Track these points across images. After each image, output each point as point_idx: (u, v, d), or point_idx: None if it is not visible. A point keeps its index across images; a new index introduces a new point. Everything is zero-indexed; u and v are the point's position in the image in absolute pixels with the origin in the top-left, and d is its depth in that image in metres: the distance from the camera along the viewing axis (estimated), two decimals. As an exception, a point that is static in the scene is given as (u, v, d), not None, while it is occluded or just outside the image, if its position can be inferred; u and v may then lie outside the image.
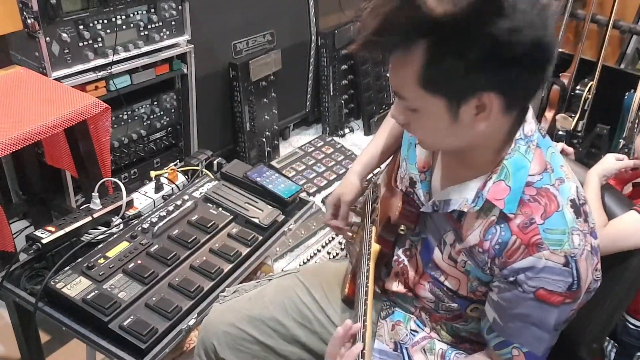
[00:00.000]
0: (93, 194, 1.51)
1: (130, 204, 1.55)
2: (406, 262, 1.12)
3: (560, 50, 3.16)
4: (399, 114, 0.92)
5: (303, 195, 1.70)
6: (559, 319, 0.93)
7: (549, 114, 3.15)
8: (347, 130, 3.28)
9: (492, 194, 0.91)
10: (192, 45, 2.26)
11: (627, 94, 2.80)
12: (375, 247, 1.11)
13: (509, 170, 0.91)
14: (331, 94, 3.16)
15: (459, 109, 0.84)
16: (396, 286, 1.15)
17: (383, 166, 1.33)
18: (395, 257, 1.13)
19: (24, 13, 1.76)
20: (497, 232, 0.91)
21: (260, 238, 1.50)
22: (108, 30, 1.97)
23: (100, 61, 1.97)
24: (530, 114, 0.93)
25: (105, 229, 1.46)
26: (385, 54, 0.85)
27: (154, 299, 1.27)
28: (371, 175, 1.34)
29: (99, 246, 1.39)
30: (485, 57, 0.77)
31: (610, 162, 1.37)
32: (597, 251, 0.94)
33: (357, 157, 1.33)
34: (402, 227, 1.07)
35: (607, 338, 1.42)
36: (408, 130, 1.00)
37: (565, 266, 0.87)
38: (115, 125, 2.15)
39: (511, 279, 0.90)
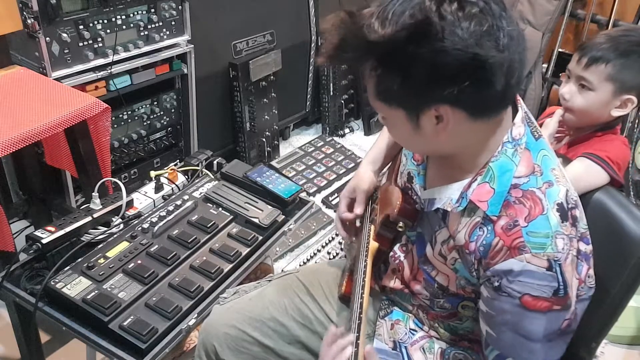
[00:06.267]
0: (93, 194, 1.51)
1: (130, 204, 1.55)
2: (402, 258, 1.12)
3: (560, 50, 3.16)
4: (381, 120, 0.99)
5: (303, 195, 1.70)
6: (549, 328, 0.91)
7: (549, 114, 3.15)
8: (347, 130, 3.28)
9: (476, 195, 0.92)
10: (192, 45, 2.26)
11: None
12: (374, 245, 1.12)
13: (495, 172, 0.91)
14: (331, 94, 3.16)
15: (419, 120, 0.88)
16: (393, 282, 1.16)
17: (385, 168, 1.33)
18: (392, 253, 1.14)
19: (24, 13, 1.76)
20: (483, 233, 0.92)
21: (260, 238, 1.50)
22: (108, 30, 1.97)
23: (100, 61, 1.97)
24: (519, 117, 0.93)
25: (105, 229, 1.46)
26: (355, 68, 0.94)
27: (154, 299, 1.27)
28: (385, 169, 1.34)
29: (99, 246, 1.39)
30: (424, 74, 0.82)
31: (550, 122, 1.46)
32: (587, 257, 0.93)
33: (367, 153, 1.33)
34: (401, 224, 1.08)
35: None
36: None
37: (548, 270, 0.87)
38: (115, 125, 2.15)
39: (496, 283, 0.90)
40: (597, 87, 1.35)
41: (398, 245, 1.13)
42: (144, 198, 1.60)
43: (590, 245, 0.95)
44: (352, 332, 0.93)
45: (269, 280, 1.34)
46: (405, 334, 1.15)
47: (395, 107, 0.88)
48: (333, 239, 2.44)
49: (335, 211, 1.33)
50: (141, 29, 2.08)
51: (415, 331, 1.15)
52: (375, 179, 1.29)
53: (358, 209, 1.25)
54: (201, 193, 1.61)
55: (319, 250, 2.36)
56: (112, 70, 2.00)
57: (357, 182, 1.28)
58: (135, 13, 2.04)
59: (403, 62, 0.82)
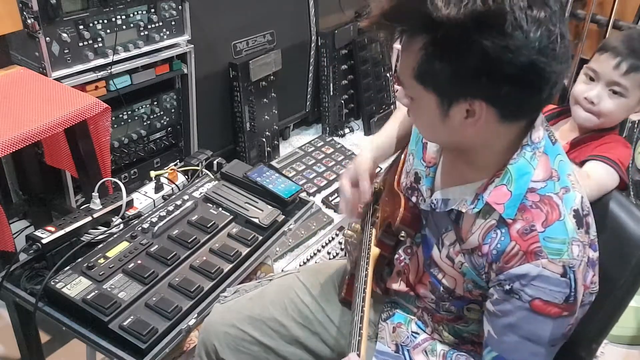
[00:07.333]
0: (93, 194, 1.51)
1: (130, 204, 1.55)
2: (407, 261, 1.12)
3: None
4: (402, 98, 0.95)
5: (303, 195, 1.70)
6: (555, 333, 0.91)
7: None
8: (347, 130, 3.28)
9: (492, 197, 0.91)
10: (192, 45, 2.26)
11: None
12: (375, 251, 1.10)
13: (512, 175, 0.90)
14: (331, 94, 3.16)
15: (450, 109, 0.85)
16: (398, 285, 1.15)
17: (383, 165, 1.32)
18: (396, 256, 1.13)
19: (24, 13, 1.76)
20: (496, 236, 0.91)
21: (260, 238, 1.50)
22: (108, 30, 1.97)
23: (100, 61, 1.97)
24: (539, 121, 0.92)
25: (105, 229, 1.46)
26: (392, 37, 0.88)
27: (154, 299, 1.27)
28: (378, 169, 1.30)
29: (99, 246, 1.39)
30: (476, 67, 0.79)
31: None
32: (594, 264, 0.93)
33: (371, 139, 1.25)
34: (403, 234, 1.07)
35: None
36: (409, 116, 1.01)
37: (563, 276, 0.86)
38: (115, 125, 2.15)
39: (507, 287, 0.89)
40: (630, 93, 1.33)
41: (402, 247, 1.12)
42: (144, 198, 1.60)
43: (597, 252, 0.94)
44: (352, 350, 0.92)
45: (270, 280, 1.34)
46: (407, 337, 1.15)
47: (430, 90, 0.85)
48: (333, 239, 2.44)
49: (336, 205, 1.25)
50: (141, 29, 2.07)
51: (418, 334, 1.15)
52: (375, 168, 1.21)
53: (366, 186, 1.14)
54: (201, 193, 1.61)
55: (319, 250, 2.36)
56: (112, 70, 1.99)
57: (356, 165, 1.19)
58: (135, 13, 2.04)
59: (460, 49, 0.78)
